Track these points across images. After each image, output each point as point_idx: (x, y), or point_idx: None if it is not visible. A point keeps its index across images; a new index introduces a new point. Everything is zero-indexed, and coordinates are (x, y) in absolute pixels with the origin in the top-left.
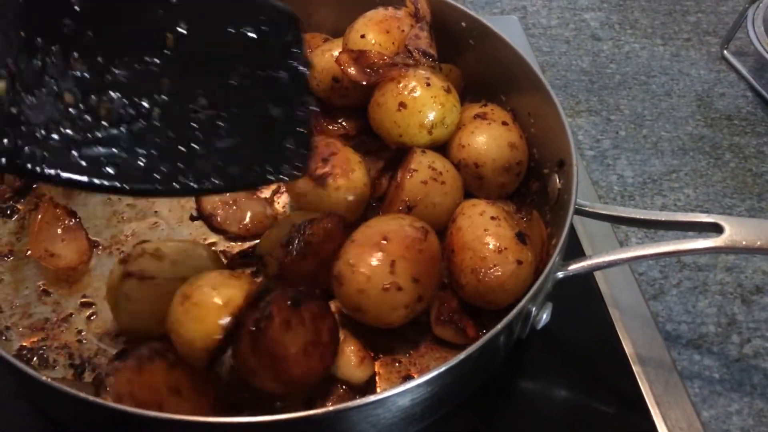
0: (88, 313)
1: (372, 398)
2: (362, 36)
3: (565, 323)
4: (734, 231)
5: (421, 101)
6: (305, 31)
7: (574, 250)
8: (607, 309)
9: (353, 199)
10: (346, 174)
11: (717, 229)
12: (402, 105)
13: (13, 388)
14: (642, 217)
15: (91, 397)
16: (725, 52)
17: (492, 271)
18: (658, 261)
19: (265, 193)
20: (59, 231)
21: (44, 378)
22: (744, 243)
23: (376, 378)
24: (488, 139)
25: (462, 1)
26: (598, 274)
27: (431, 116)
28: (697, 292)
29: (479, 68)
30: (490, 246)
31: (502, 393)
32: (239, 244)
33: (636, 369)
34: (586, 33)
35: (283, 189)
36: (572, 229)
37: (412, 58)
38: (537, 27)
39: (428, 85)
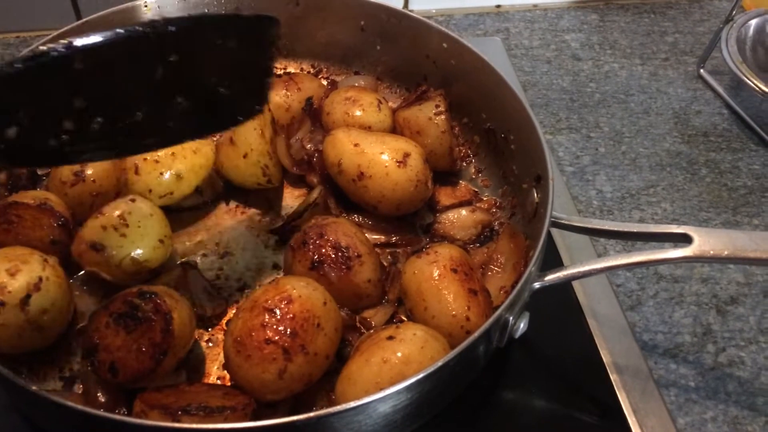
0: (78, 327)
1: (353, 404)
2: None
3: (545, 334)
4: (703, 241)
5: None
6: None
7: (554, 262)
8: (586, 320)
9: None
10: None
11: (687, 239)
12: None
13: (5, 401)
14: (616, 229)
15: (78, 406)
16: (701, 71)
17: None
18: (635, 273)
19: None
20: None
21: (34, 388)
22: (712, 252)
23: None
24: None
25: (446, 24)
26: (576, 286)
27: None
28: (673, 302)
29: (461, 87)
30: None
31: (482, 402)
32: None
33: (613, 378)
34: (566, 53)
35: None
36: (551, 242)
37: None
38: (519, 48)
39: None
